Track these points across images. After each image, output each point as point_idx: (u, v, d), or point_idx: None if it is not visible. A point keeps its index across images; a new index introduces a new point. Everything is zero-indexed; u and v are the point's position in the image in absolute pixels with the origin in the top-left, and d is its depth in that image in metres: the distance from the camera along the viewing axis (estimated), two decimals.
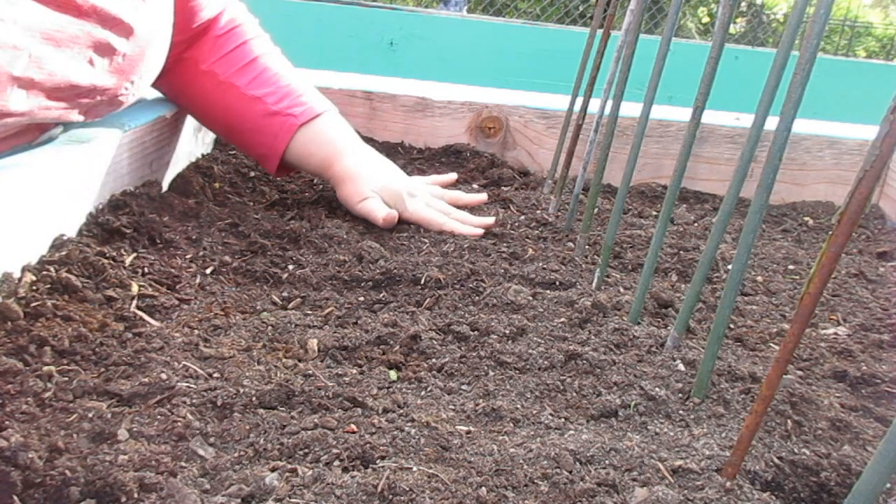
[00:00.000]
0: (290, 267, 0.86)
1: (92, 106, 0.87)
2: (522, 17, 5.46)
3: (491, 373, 0.67)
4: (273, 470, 0.51)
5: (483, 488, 0.50)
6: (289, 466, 0.51)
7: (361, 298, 0.80)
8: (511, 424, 0.60)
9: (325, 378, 0.63)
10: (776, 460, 0.56)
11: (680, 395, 0.64)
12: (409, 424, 0.57)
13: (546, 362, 0.68)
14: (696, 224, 1.17)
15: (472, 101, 1.36)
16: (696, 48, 2.81)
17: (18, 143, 0.84)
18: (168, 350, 0.65)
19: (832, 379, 0.73)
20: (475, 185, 1.23)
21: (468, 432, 0.58)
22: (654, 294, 0.83)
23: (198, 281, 0.79)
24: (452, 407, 0.62)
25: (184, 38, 1.01)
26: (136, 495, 0.47)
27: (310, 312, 0.76)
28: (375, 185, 1.03)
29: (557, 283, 0.86)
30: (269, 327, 0.72)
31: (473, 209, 1.10)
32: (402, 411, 0.60)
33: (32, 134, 0.86)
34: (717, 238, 0.63)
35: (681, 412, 0.62)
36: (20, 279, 0.69)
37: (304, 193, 1.13)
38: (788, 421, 0.62)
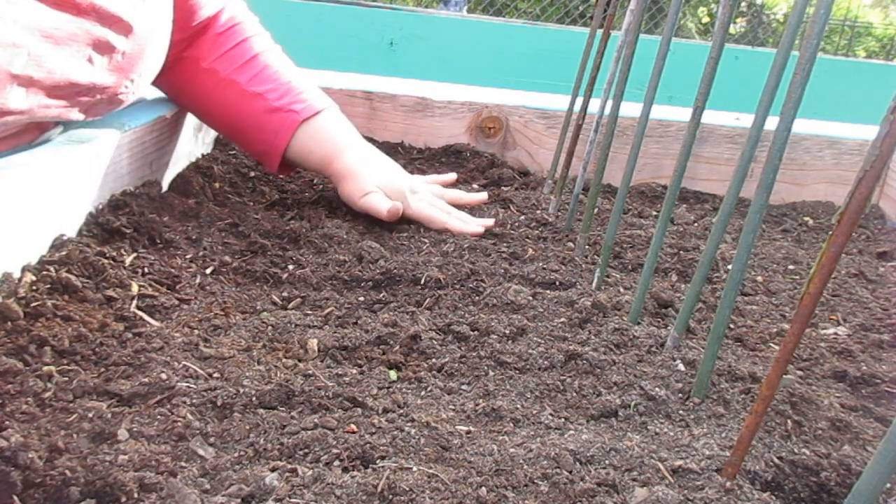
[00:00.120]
0: (290, 267, 0.86)
1: (92, 104, 0.87)
2: (522, 17, 5.46)
3: (491, 373, 0.67)
4: (273, 470, 0.51)
5: (483, 488, 0.50)
6: (289, 466, 0.51)
7: (361, 298, 0.80)
8: (511, 424, 0.60)
9: (325, 378, 0.63)
10: (776, 460, 0.56)
11: (680, 395, 0.64)
12: (409, 424, 0.57)
13: (546, 362, 0.68)
14: (696, 224, 1.17)
15: (472, 101, 1.36)
16: (696, 48, 2.81)
17: (18, 143, 0.84)
18: (168, 350, 0.65)
19: (832, 379, 0.73)
20: (475, 185, 1.23)
21: (468, 432, 0.58)
22: (654, 294, 0.83)
23: (198, 281, 0.79)
24: (452, 407, 0.62)
25: (183, 36, 1.01)
26: (136, 495, 0.47)
27: (310, 312, 0.76)
28: (378, 182, 1.03)
29: (557, 283, 0.86)
30: (269, 327, 0.72)
31: (474, 210, 1.10)
32: (402, 411, 0.60)
33: (32, 134, 0.86)
34: (717, 238, 0.63)
35: (681, 412, 0.62)
36: (20, 279, 0.69)
37: (304, 193, 1.13)
38: (788, 421, 0.62)
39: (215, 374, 0.62)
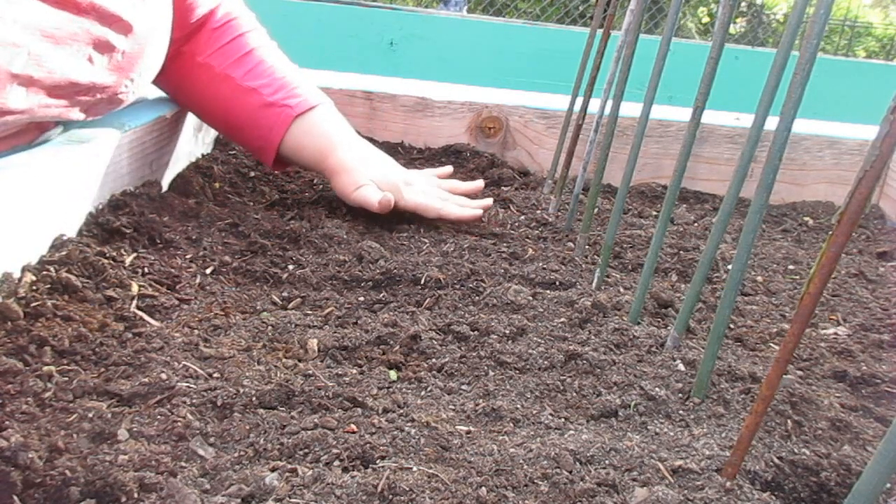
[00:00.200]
0: (290, 267, 0.86)
1: (92, 104, 0.87)
2: (522, 17, 5.46)
3: (491, 373, 0.67)
4: (273, 470, 0.51)
5: (483, 488, 0.50)
6: (289, 466, 0.51)
7: (361, 298, 0.80)
8: (511, 424, 0.60)
9: (325, 378, 0.63)
10: (776, 460, 0.56)
11: (680, 395, 0.64)
12: (409, 424, 0.57)
13: (546, 362, 0.68)
14: (696, 224, 1.17)
15: (472, 101, 1.36)
16: (696, 48, 2.81)
17: (18, 143, 0.84)
18: (168, 350, 0.65)
19: (832, 379, 0.73)
20: None
21: (468, 432, 0.58)
22: (654, 294, 0.83)
23: (198, 281, 0.79)
24: (452, 407, 0.62)
25: (182, 34, 1.01)
26: (136, 495, 0.47)
27: (310, 312, 0.76)
28: (371, 176, 1.03)
29: (557, 283, 0.86)
30: (269, 327, 0.72)
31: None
32: (402, 411, 0.60)
33: (32, 134, 0.86)
34: (717, 238, 0.63)
35: (681, 412, 0.62)
36: (20, 279, 0.69)
37: (304, 193, 1.13)
38: (788, 421, 0.62)
39: (215, 374, 0.62)
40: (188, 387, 0.59)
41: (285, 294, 0.80)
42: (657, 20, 5.47)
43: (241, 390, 0.59)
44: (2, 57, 0.72)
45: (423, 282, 0.83)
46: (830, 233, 0.46)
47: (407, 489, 0.49)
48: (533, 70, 2.76)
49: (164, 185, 1.03)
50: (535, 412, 0.61)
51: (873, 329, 0.85)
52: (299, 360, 0.67)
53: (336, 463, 0.52)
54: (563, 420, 0.61)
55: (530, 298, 0.80)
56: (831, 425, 0.63)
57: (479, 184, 1.12)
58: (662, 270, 0.96)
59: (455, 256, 0.91)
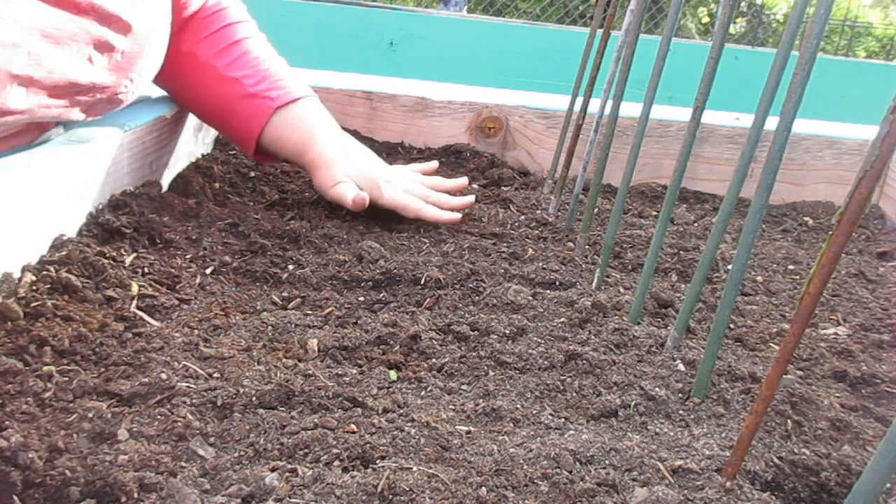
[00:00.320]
0: (290, 267, 0.86)
1: (91, 104, 0.87)
2: (522, 17, 5.46)
3: (491, 373, 0.67)
4: (273, 470, 0.51)
5: (483, 488, 0.50)
6: (289, 466, 0.51)
7: (361, 298, 0.80)
8: (511, 424, 0.60)
9: (325, 378, 0.63)
10: (776, 460, 0.56)
11: (680, 395, 0.64)
12: (409, 424, 0.57)
13: (546, 362, 0.68)
14: (696, 224, 1.17)
15: (472, 101, 1.36)
16: (696, 48, 2.81)
17: (18, 143, 0.84)
18: (168, 350, 0.65)
19: (832, 379, 0.73)
20: (475, 186, 1.23)
21: (468, 432, 0.58)
22: (654, 294, 0.83)
23: (198, 281, 0.79)
24: (452, 407, 0.62)
25: (175, 28, 1.01)
26: (136, 495, 0.47)
27: (310, 312, 0.76)
28: (350, 172, 1.02)
29: (557, 283, 0.86)
30: (269, 327, 0.72)
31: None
32: (402, 411, 0.60)
33: (32, 134, 0.86)
34: (717, 238, 0.63)
35: (681, 412, 0.62)
36: (20, 279, 0.69)
37: (304, 193, 1.13)
38: (788, 421, 0.62)
39: (215, 374, 0.62)
40: (188, 387, 0.59)
41: (285, 294, 0.80)
42: (657, 20, 5.47)
43: (241, 390, 0.59)
44: (2, 57, 0.72)
45: (423, 282, 0.83)
46: (830, 233, 0.46)
47: (407, 489, 0.49)
48: (533, 70, 2.76)
49: (164, 185, 1.03)
50: (535, 412, 0.61)
51: (873, 329, 0.85)
52: (299, 360, 0.67)
53: (336, 463, 0.52)
54: (563, 420, 0.61)
55: (530, 298, 0.80)
56: (831, 425, 0.63)
57: (463, 181, 1.12)
58: (662, 270, 0.96)
59: (455, 256, 0.91)
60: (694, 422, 0.61)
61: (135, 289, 0.73)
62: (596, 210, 1.11)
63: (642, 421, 0.61)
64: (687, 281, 0.93)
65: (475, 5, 5.79)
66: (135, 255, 0.79)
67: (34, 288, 0.68)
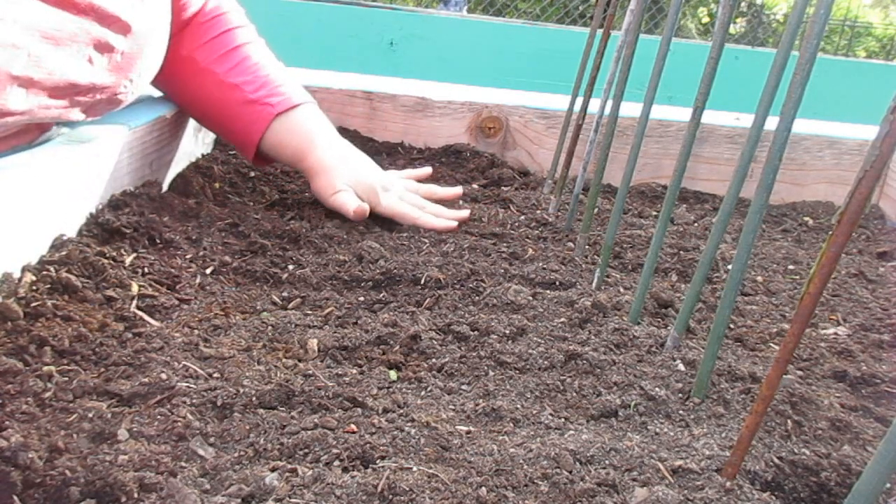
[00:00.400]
0: (290, 267, 0.86)
1: (91, 104, 0.87)
2: (522, 17, 5.46)
3: (491, 373, 0.67)
4: (273, 470, 0.51)
5: (483, 488, 0.50)
6: (289, 466, 0.51)
7: (361, 298, 0.80)
8: (511, 424, 0.60)
9: (325, 378, 0.63)
10: (776, 460, 0.56)
11: (680, 395, 0.64)
12: (409, 424, 0.57)
13: (546, 362, 0.68)
14: (696, 224, 1.17)
15: (472, 101, 1.36)
16: (696, 48, 2.81)
17: (18, 144, 0.84)
18: (168, 350, 0.65)
19: (832, 379, 0.73)
20: (475, 186, 1.23)
21: (468, 432, 0.58)
22: (654, 294, 0.83)
23: (198, 281, 0.79)
24: (452, 407, 0.62)
25: (175, 30, 1.01)
26: (136, 495, 0.47)
27: (310, 312, 0.76)
28: (348, 179, 1.03)
29: (557, 283, 0.86)
30: (269, 327, 0.72)
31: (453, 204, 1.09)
32: (402, 411, 0.60)
33: (32, 134, 0.86)
34: (717, 238, 0.63)
35: (681, 412, 0.62)
36: (20, 279, 0.69)
37: (304, 193, 1.13)
38: (788, 421, 0.62)
39: (215, 374, 0.62)
40: (188, 387, 0.59)
41: (285, 294, 0.80)
42: (657, 20, 5.47)
43: (241, 390, 0.59)
44: (2, 58, 0.72)
45: (423, 282, 0.83)
46: (830, 233, 0.46)
47: (407, 489, 0.49)
48: (533, 70, 2.76)
49: (164, 185, 1.03)
50: (535, 412, 0.61)
51: (873, 329, 0.85)
52: (299, 360, 0.67)
53: (336, 463, 0.52)
54: (563, 420, 0.61)
55: (530, 298, 0.80)
56: (831, 425, 0.63)
57: (458, 190, 1.13)
58: (662, 270, 0.96)
59: (455, 256, 0.91)
60: (694, 422, 0.61)
61: (135, 289, 0.73)
62: (596, 210, 1.11)
63: (642, 421, 0.61)
64: (687, 281, 0.93)
65: (475, 5, 5.79)
66: (135, 255, 0.79)
67: (34, 288, 0.68)
